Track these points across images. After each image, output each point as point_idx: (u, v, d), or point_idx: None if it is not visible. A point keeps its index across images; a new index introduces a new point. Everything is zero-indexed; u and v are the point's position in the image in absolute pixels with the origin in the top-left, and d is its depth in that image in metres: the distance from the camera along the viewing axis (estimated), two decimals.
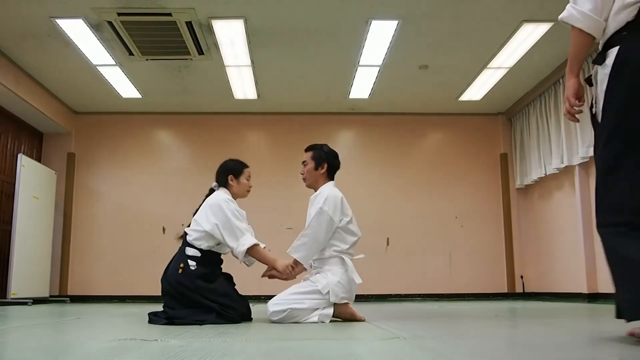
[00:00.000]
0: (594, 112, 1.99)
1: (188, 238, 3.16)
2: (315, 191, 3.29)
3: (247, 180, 3.36)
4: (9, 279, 5.97)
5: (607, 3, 1.91)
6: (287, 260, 3.13)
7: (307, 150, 3.37)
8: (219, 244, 3.13)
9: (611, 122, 1.89)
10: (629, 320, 1.88)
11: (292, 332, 2.47)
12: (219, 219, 3.07)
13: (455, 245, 7.34)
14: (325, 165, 3.29)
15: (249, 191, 3.37)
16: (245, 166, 3.38)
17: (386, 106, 7.36)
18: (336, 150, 3.42)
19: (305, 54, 5.78)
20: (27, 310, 4.94)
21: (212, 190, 3.34)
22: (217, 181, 3.35)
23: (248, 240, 3.07)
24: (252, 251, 3.09)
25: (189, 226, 3.23)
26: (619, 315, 1.90)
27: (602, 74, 1.95)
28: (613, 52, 1.91)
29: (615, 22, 1.91)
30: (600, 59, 1.97)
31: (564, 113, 2.15)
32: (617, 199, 1.86)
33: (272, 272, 3.16)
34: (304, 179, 3.35)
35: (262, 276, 3.18)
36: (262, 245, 3.15)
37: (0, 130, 6.46)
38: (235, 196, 3.29)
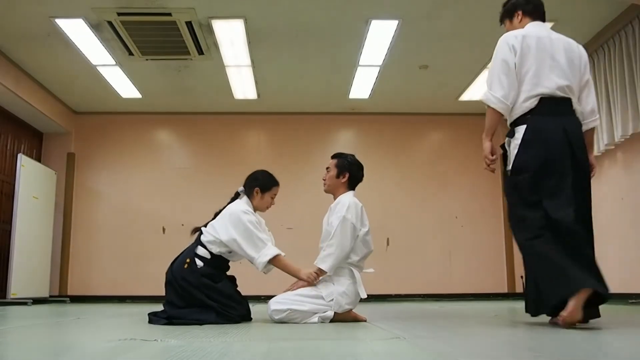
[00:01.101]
0: (507, 169, 2.80)
1: (202, 238, 3.14)
2: (334, 199, 3.29)
3: (272, 198, 3.32)
4: (9, 279, 5.97)
5: (512, 92, 2.73)
6: (309, 268, 3.11)
7: (333, 157, 3.37)
8: (230, 252, 3.12)
9: (518, 177, 2.71)
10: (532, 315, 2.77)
11: (292, 332, 2.47)
12: (239, 232, 3.05)
13: (455, 245, 7.34)
14: (347, 175, 3.29)
15: (268, 207, 3.34)
16: (275, 184, 3.33)
17: (386, 106, 7.36)
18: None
19: (305, 54, 5.78)
20: (27, 310, 4.94)
21: (237, 194, 3.32)
22: (244, 186, 3.32)
23: (270, 250, 3.05)
24: (274, 261, 3.07)
25: (205, 226, 3.21)
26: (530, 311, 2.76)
27: (514, 144, 2.76)
28: (521, 129, 2.73)
29: (522, 108, 2.73)
30: (511, 134, 2.80)
31: (484, 167, 2.92)
32: (521, 225, 2.69)
33: (297, 285, 3.12)
34: (324, 184, 3.34)
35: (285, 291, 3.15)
36: (282, 254, 3.12)
37: (0, 130, 6.46)
38: (254, 208, 3.27)
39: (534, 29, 2.86)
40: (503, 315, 3.83)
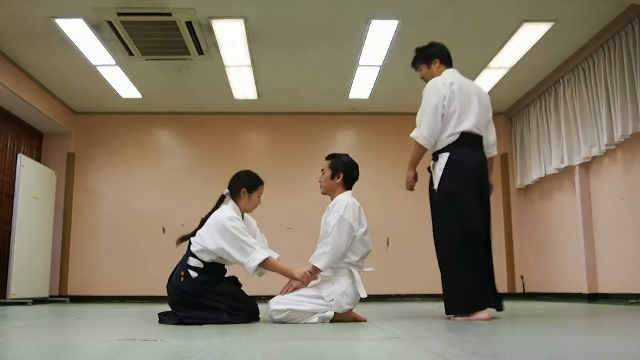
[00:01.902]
0: (433, 188, 3.38)
1: (192, 248, 3.13)
2: (332, 199, 3.28)
3: (258, 197, 3.31)
4: (9, 279, 5.97)
5: (436, 131, 3.30)
6: (302, 267, 3.10)
7: (327, 158, 3.37)
8: (221, 257, 3.11)
9: (442, 196, 3.32)
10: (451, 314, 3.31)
11: (292, 332, 2.47)
12: (226, 241, 3.03)
13: None
14: (342, 175, 3.28)
15: (255, 207, 3.33)
16: (261, 183, 3.33)
17: (386, 106, 7.36)
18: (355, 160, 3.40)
19: (305, 54, 5.78)
20: (27, 310, 4.94)
21: (222, 197, 3.31)
22: (229, 188, 3.30)
23: (259, 254, 3.03)
24: (264, 264, 3.04)
25: (193, 235, 3.19)
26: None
27: (438, 168, 3.34)
28: (445, 156, 3.31)
29: (446, 141, 3.32)
30: (436, 158, 3.36)
31: (406, 188, 3.64)
32: (446, 238, 3.45)
33: (291, 285, 3.10)
34: (320, 186, 3.34)
35: (282, 293, 3.12)
36: (275, 256, 3.11)
37: (0, 130, 6.46)
38: (241, 210, 3.26)
39: (454, 76, 3.45)
40: (503, 315, 3.83)
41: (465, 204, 3.27)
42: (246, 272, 3.07)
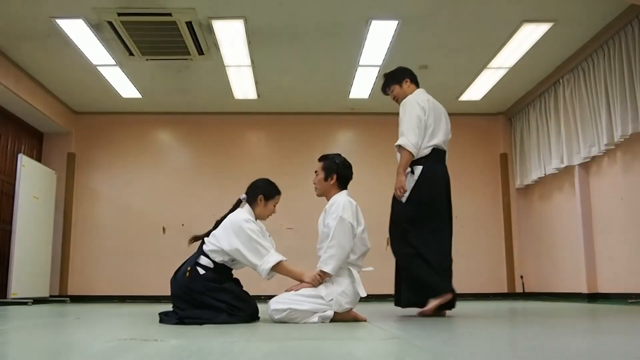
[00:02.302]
0: (404, 196, 3.53)
1: (205, 247, 3.15)
2: (327, 200, 3.28)
3: (274, 206, 3.34)
4: (9, 279, 5.97)
5: (420, 140, 3.52)
6: (312, 270, 3.11)
7: (319, 160, 3.37)
8: (233, 260, 3.13)
9: (412, 205, 3.50)
10: (404, 307, 3.64)
11: (292, 332, 2.47)
12: (241, 242, 3.06)
13: (455, 246, 7.28)
14: (335, 176, 3.28)
15: (269, 215, 3.36)
16: (279, 193, 3.36)
17: (386, 106, 7.30)
18: (341, 155, 3.40)
19: (305, 54, 5.78)
20: (27, 310, 4.94)
21: (239, 201, 3.33)
22: (247, 194, 3.33)
23: (273, 257, 3.06)
24: (276, 267, 3.07)
25: (207, 236, 3.21)
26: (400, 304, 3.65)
27: (412, 179, 3.54)
28: (419, 168, 3.53)
29: (421, 153, 3.54)
30: (411, 171, 3.54)
31: (396, 195, 3.56)
32: (408, 242, 3.50)
33: (301, 286, 3.11)
34: (315, 189, 3.34)
35: (287, 290, 3.14)
36: (283, 259, 3.12)
37: (0, 130, 6.46)
38: (256, 216, 3.28)
39: (426, 95, 3.73)
40: (503, 315, 3.83)
41: (435, 216, 3.53)
42: (258, 274, 3.08)
